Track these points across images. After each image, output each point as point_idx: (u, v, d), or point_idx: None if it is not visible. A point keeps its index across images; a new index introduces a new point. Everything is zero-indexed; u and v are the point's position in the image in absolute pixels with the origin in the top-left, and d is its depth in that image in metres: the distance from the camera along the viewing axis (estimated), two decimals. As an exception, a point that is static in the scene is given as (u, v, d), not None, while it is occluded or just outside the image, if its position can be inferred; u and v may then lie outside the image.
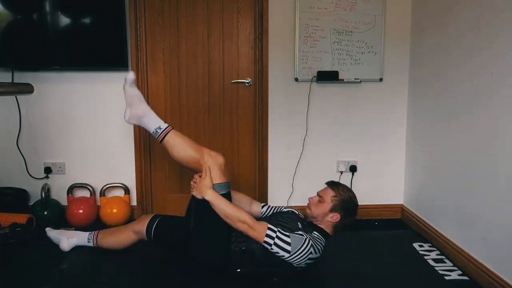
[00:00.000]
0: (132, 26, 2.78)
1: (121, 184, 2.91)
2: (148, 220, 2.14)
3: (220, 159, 2.03)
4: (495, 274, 1.92)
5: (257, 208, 2.28)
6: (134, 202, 2.95)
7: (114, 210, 2.76)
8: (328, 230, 2.04)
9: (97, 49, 2.73)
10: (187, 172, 3.00)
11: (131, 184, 2.94)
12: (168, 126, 2.07)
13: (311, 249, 1.89)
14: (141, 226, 2.14)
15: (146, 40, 2.87)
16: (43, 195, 2.78)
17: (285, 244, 1.86)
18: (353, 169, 2.96)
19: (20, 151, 2.86)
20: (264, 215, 2.26)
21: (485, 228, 2.01)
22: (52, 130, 2.87)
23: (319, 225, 2.04)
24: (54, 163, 2.90)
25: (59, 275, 2.03)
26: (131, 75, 2.09)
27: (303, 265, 1.92)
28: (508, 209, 1.84)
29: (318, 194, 2.08)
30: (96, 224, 2.79)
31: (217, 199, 1.91)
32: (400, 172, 3.00)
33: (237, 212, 1.88)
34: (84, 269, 2.11)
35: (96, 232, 2.32)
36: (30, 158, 2.88)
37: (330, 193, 2.03)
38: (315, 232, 1.99)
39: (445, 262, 2.24)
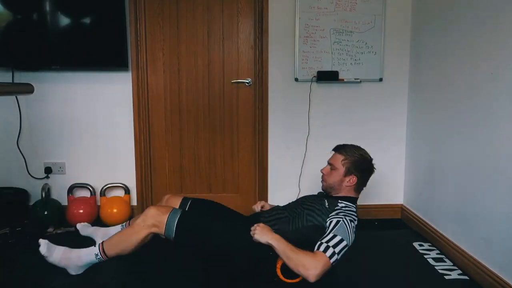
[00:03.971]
0: (132, 26, 2.79)
1: (122, 184, 2.91)
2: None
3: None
4: (495, 274, 1.92)
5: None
6: (134, 202, 2.95)
7: (115, 210, 2.76)
8: (351, 194, 2.01)
9: (97, 49, 2.72)
10: (187, 172, 3.01)
11: (131, 184, 2.94)
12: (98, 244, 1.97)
13: (352, 223, 1.85)
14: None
15: (146, 40, 2.87)
16: (44, 195, 2.78)
17: (342, 244, 1.76)
18: (353, 169, 2.96)
19: (20, 151, 2.86)
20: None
21: (485, 228, 2.01)
22: (52, 130, 2.88)
23: (340, 194, 2.01)
24: (54, 163, 2.90)
25: (58, 275, 2.03)
26: (42, 249, 1.97)
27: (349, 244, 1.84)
28: (508, 209, 1.84)
29: (328, 162, 2.05)
30: (96, 224, 2.78)
31: (280, 241, 1.78)
32: (400, 172, 3.00)
33: (299, 256, 1.72)
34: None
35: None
36: (30, 158, 2.88)
37: (339, 158, 2.00)
38: (341, 202, 1.95)
39: (445, 262, 2.24)
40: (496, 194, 1.92)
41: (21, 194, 2.86)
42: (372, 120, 2.94)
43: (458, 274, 2.10)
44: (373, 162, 2.06)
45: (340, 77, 2.84)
